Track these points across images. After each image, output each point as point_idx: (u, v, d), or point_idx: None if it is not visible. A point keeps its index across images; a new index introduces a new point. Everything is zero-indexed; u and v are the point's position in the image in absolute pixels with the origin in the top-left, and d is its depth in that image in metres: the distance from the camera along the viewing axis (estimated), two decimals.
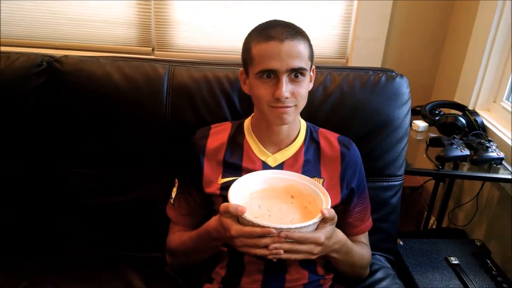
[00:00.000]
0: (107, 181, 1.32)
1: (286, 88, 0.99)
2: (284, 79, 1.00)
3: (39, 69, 1.28)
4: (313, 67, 1.11)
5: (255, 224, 0.90)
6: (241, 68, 1.11)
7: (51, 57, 1.32)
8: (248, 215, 0.91)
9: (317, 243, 0.93)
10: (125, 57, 1.33)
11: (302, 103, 1.06)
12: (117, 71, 1.28)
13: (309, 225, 0.92)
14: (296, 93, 1.02)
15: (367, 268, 1.22)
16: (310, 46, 1.05)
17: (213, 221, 1.01)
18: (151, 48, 2.14)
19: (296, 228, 0.91)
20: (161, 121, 1.27)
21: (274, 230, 0.88)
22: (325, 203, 0.98)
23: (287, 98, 1.00)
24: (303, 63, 1.01)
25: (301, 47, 1.00)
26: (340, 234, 1.04)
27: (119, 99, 1.26)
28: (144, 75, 1.28)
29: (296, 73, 1.01)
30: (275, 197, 1.06)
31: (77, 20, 2.07)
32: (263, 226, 0.89)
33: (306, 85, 1.05)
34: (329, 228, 0.96)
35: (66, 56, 1.31)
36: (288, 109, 1.02)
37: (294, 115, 1.06)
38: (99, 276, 1.23)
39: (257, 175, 1.07)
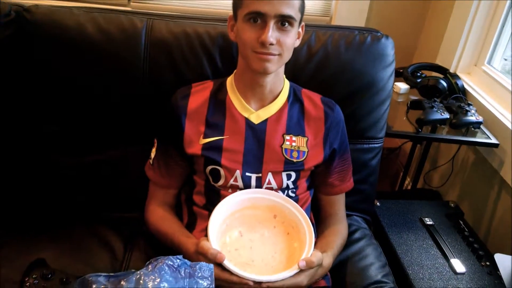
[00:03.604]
0: (82, 140, 1.28)
1: (272, 34, 0.96)
2: (271, 24, 0.96)
3: (7, 19, 1.19)
4: (303, 23, 1.08)
5: (233, 273, 0.89)
6: (230, 14, 1.06)
7: (20, 6, 1.22)
8: (228, 262, 0.90)
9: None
10: (100, 8, 1.26)
11: (287, 54, 1.03)
12: (92, 22, 1.20)
13: (291, 275, 0.92)
14: (282, 41, 0.99)
15: None
16: None
17: (190, 246, 0.99)
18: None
19: (277, 280, 0.90)
20: (139, 77, 1.22)
21: (251, 283, 0.88)
22: (309, 244, 0.97)
23: (272, 44, 0.97)
24: (293, 11, 0.97)
25: None
26: (326, 262, 1.02)
27: (94, 52, 1.19)
28: (120, 28, 1.21)
29: (284, 21, 0.97)
30: (257, 219, 1.05)
31: None
32: (241, 277, 0.88)
33: (292, 36, 1.01)
34: (313, 270, 0.96)
35: (36, 5, 1.22)
36: (272, 56, 0.99)
37: (278, 66, 1.03)
38: (75, 236, 1.21)
39: (239, 195, 1.05)
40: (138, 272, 0.78)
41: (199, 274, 0.80)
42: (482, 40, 1.79)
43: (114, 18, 1.23)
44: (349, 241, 1.26)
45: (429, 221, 1.46)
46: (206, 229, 1.08)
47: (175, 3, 2.04)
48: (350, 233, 1.29)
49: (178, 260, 0.81)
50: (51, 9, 1.22)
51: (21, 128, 1.26)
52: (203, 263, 0.84)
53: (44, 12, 1.21)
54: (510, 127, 1.47)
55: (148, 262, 0.83)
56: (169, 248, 1.08)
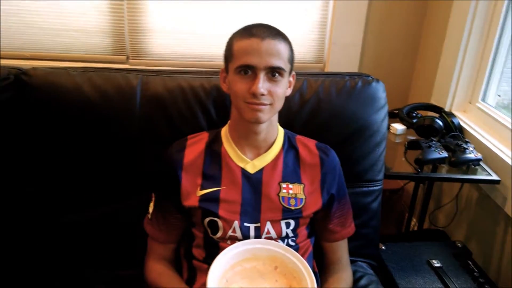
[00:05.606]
0: (78, 197, 1.28)
1: (262, 85, 0.99)
2: (261, 76, 0.99)
3: (5, 82, 1.23)
4: (293, 73, 1.11)
5: None
6: (223, 67, 1.10)
7: (19, 69, 1.26)
8: None
9: None
10: (96, 68, 1.29)
11: (278, 104, 1.05)
12: (88, 82, 1.23)
13: None
14: (273, 91, 1.01)
15: None
16: (291, 49, 1.06)
17: None
18: (125, 57, 2.10)
19: None
20: (134, 134, 1.24)
21: None
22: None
23: (263, 95, 0.99)
24: (282, 63, 1.01)
25: (281, 46, 1.01)
26: None
27: (90, 112, 1.22)
28: (116, 86, 1.24)
29: (274, 72, 1.01)
30: (258, 273, 1.02)
31: (49, 29, 2.02)
32: None
33: (283, 86, 1.04)
34: None
35: (34, 68, 1.26)
36: (263, 106, 1.01)
37: (270, 115, 1.05)
38: None
39: (238, 247, 1.03)
40: None
41: None
42: (474, 77, 1.81)
43: (109, 76, 1.26)
44: None
45: (437, 263, 1.42)
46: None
47: (172, 57, 2.11)
48: (356, 280, 1.26)
49: None
50: (48, 71, 1.25)
51: (13, 189, 1.25)
52: None
53: (41, 74, 1.24)
54: (509, 162, 1.46)
55: None
56: None
